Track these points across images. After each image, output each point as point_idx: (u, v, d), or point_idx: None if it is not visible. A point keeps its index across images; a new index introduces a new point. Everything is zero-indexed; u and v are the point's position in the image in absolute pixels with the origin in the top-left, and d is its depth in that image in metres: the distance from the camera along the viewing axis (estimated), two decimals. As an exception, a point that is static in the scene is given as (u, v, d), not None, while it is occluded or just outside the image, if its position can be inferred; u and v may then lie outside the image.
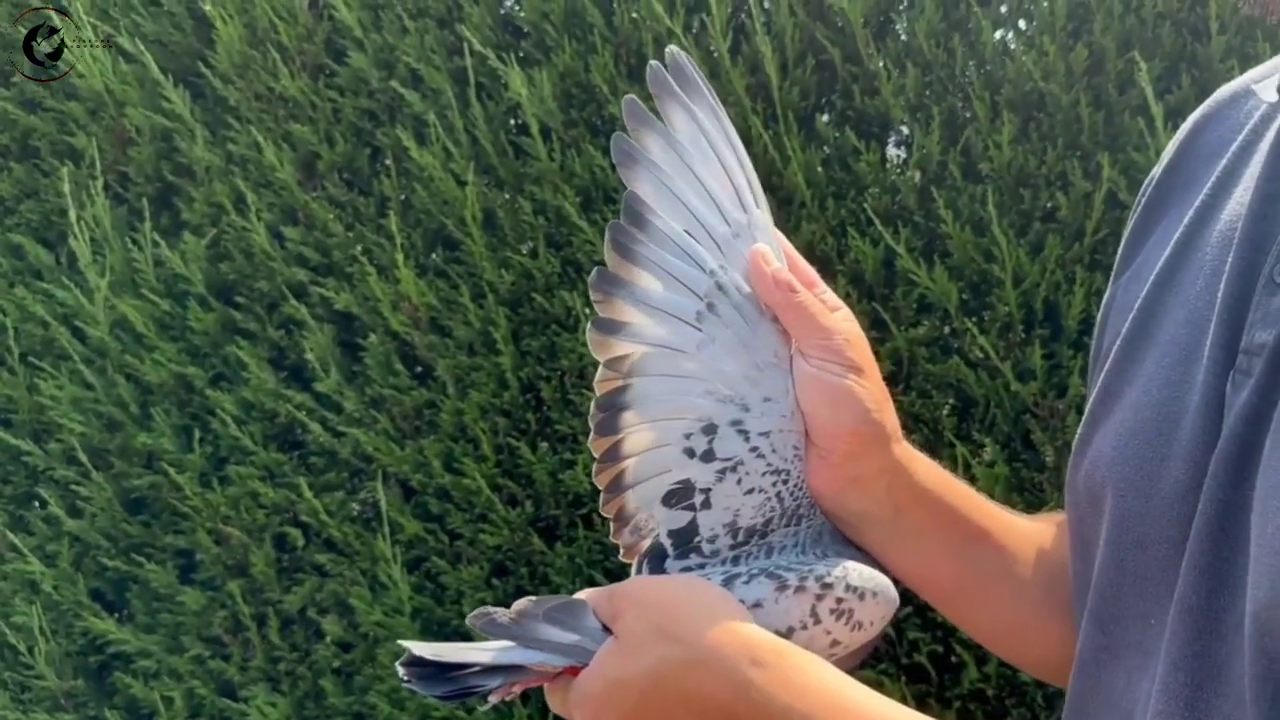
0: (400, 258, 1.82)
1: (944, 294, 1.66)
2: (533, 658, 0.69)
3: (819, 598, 0.69)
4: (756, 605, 0.69)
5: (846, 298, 1.70)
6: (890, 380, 1.71)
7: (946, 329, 1.71)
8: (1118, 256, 0.78)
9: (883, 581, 0.70)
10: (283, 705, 1.88)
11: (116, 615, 2.00)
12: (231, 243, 1.94)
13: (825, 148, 1.73)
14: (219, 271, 1.95)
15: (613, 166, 1.81)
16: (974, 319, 1.68)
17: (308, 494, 1.86)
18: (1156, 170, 0.77)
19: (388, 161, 1.90)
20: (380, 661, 1.84)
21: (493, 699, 0.71)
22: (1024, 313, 1.66)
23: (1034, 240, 1.67)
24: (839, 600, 0.69)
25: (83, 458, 1.96)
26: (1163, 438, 0.65)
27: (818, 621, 0.69)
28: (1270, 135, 0.68)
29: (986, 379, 1.66)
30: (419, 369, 1.89)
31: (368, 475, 1.88)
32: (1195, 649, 0.59)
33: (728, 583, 0.70)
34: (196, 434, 1.93)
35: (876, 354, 1.79)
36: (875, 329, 1.71)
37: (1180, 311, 0.67)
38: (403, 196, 1.89)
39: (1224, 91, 0.76)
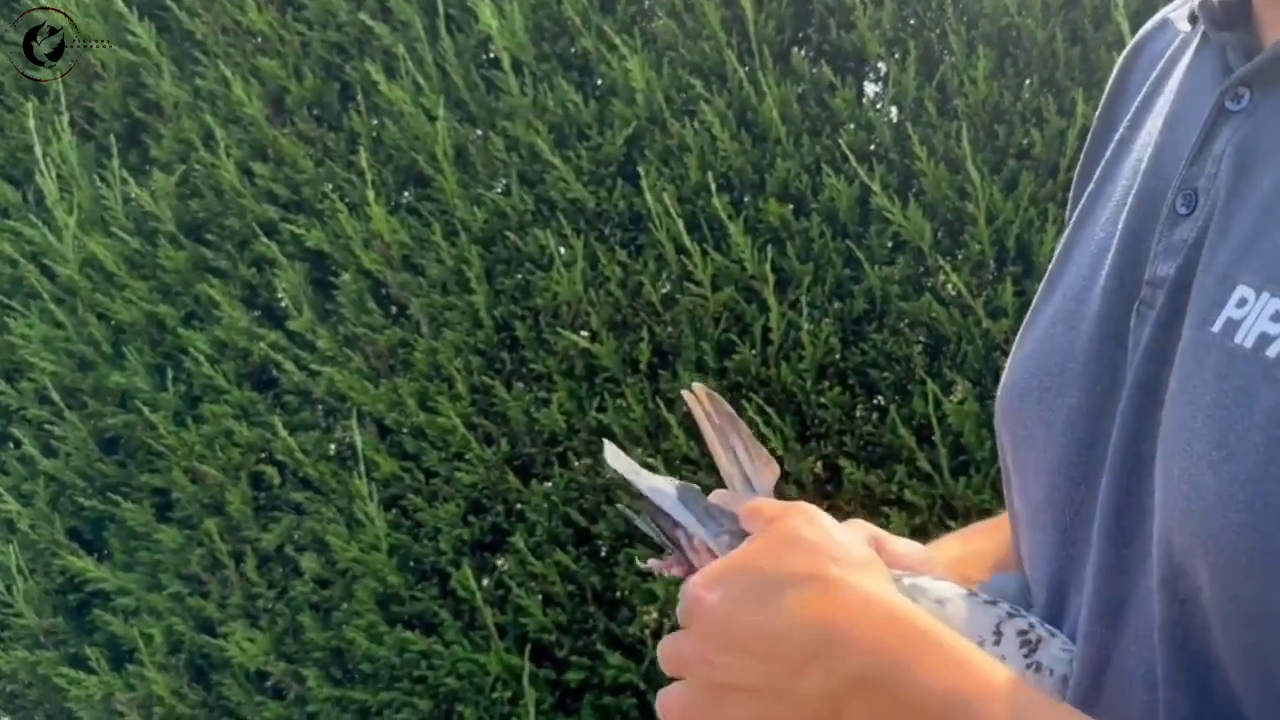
0: (371, 195, 1.80)
1: (917, 232, 1.66)
2: (688, 516, 0.65)
3: (1010, 615, 0.62)
4: (940, 602, 0.62)
5: (820, 236, 1.71)
6: (863, 319, 1.72)
7: (920, 267, 1.71)
8: (1069, 200, 0.79)
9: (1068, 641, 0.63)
10: (261, 641, 1.89)
11: (94, 554, 2.01)
12: (201, 180, 1.92)
13: (801, 83, 1.72)
14: (189, 209, 1.93)
15: (585, 101, 1.79)
16: (947, 257, 1.68)
17: (283, 432, 1.86)
18: (1098, 109, 0.78)
19: (357, 96, 1.87)
20: (358, 597, 1.85)
21: (653, 564, 0.69)
22: (996, 250, 1.67)
23: (1008, 177, 1.66)
24: (1030, 626, 0.62)
25: (55, 397, 1.95)
26: (1058, 367, 0.66)
27: (998, 640, 0.61)
28: (1182, 64, 0.68)
29: (958, 316, 1.67)
30: (392, 308, 1.88)
31: (342, 414, 1.88)
32: (1107, 580, 0.61)
33: (911, 576, 0.64)
34: (169, 373, 1.93)
35: (850, 292, 1.79)
36: (849, 267, 1.71)
37: (1090, 245, 0.68)
38: (373, 132, 1.87)
39: (1149, 25, 0.76)
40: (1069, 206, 0.78)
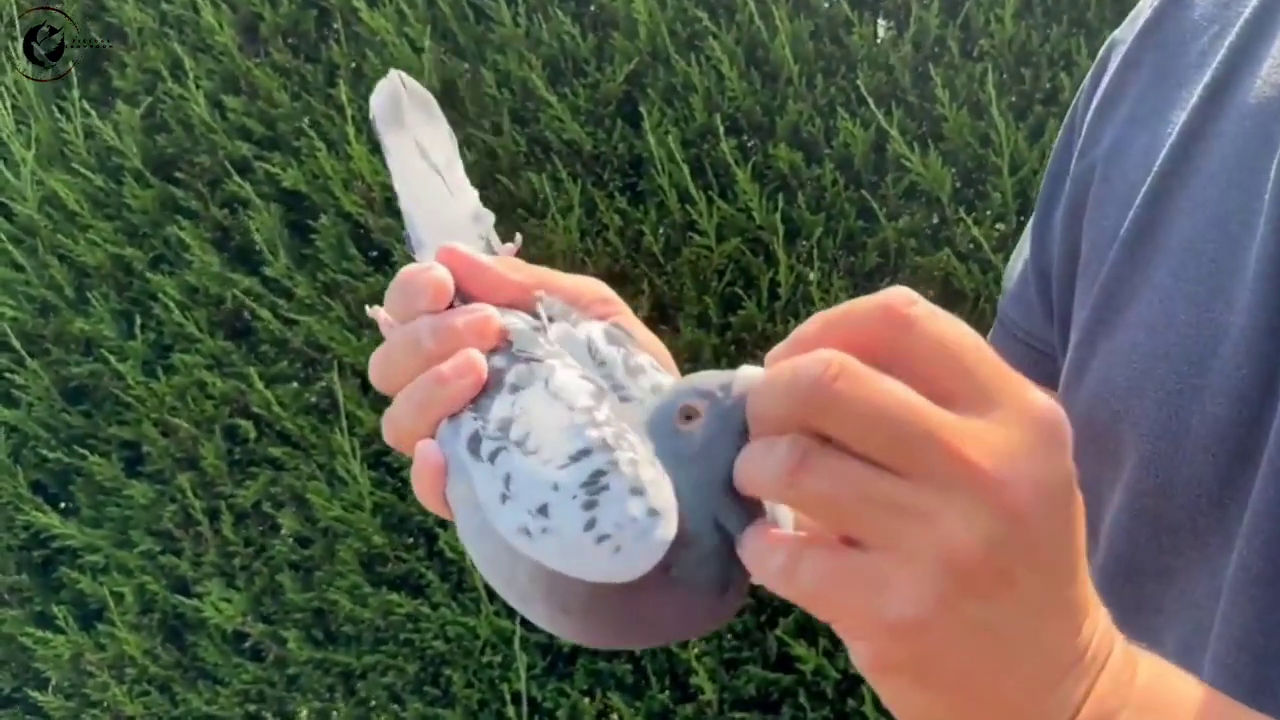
0: (352, 132, 1.69)
1: (936, 181, 1.57)
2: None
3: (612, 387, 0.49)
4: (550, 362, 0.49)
5: (833, 184, 1.61)
6: (876, 273, 1.64)
7: (937, 219, 1.62)
8: (1083, 126, 0.67)
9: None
10: (239, 600, 1.81)
11: (60, 508, 1.91)
12: (168, 113, 1.79)
13: (815, 19, 1.61)
14: (156, 144, 1.81)
15: (583, 34, 1.68)
16: (967, 208, 1.59)
17: (259, 384, 1.76)
18: (1127, 32, 0.66)
19: (336, 25, 1.75)
20: (340, 557, 1.77)
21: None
22: (1019, 202, 1.58)
23: (1033, 124, 1.57)
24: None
25: (15, 344, 1.84)
26: (1192, 365, 0.56)
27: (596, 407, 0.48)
28: None
29: (977, 272, 1.58)
30: (375, 254, 1.78)
31: (322, 365, 1.78)
32: (1263, 625, 0.52)
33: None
34: (137, 319, 1.82)
35: (863, 245, 1.70)
36: (862, 218, 1.61)
37: (1198, 212, 0.58)
38: (353, 64, 1.74)
39: None
40: (1088, 128, 0.66)
